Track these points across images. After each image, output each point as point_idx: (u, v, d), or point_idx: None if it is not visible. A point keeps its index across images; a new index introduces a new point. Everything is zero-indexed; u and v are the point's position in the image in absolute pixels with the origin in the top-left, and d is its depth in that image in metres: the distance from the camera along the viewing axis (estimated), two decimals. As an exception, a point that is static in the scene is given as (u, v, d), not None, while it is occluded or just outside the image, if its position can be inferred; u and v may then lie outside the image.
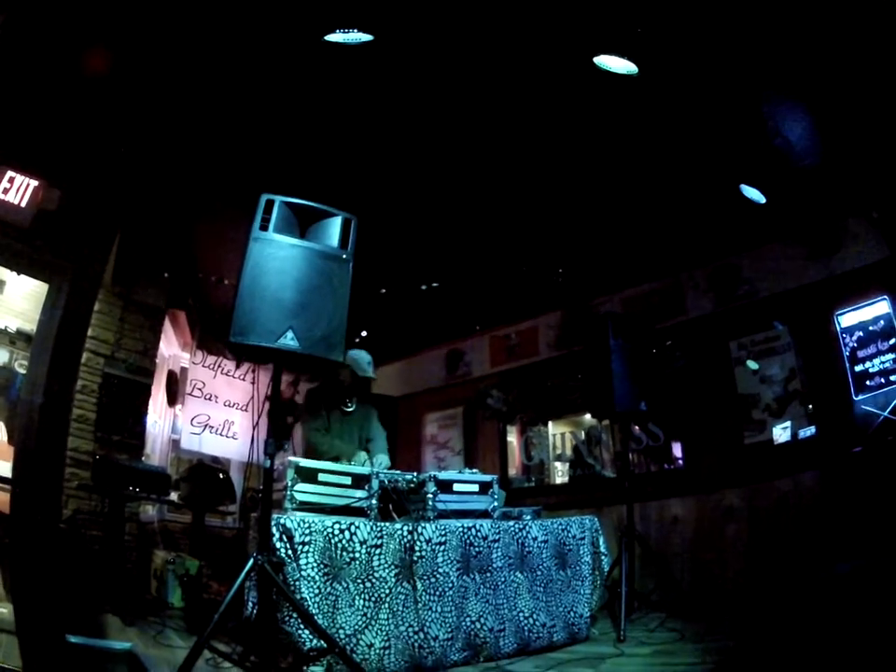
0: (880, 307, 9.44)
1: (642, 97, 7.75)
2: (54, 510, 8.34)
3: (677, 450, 11.57)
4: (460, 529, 6.53)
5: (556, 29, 6.84)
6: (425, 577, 6.13)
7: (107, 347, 9.54)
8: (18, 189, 8.32)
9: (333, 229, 5.69)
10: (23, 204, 8.33)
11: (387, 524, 6.27)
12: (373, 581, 5.89)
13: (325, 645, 5.17)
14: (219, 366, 12.47)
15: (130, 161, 8.86)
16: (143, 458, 10.11)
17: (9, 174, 8.26)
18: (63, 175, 8.69)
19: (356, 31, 6.73)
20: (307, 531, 5.64)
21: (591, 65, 7.14)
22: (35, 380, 8.45)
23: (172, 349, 12.54)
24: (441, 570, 6.23)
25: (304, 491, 6.10)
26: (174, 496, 10.13)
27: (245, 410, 12.31)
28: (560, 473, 13.60)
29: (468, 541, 6.52)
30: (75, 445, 8.86)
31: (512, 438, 14.17)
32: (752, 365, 10.65)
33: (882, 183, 9.16)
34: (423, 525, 6.34)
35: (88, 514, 8.70)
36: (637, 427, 11.49)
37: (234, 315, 5.13)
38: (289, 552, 5.51)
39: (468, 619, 6.26)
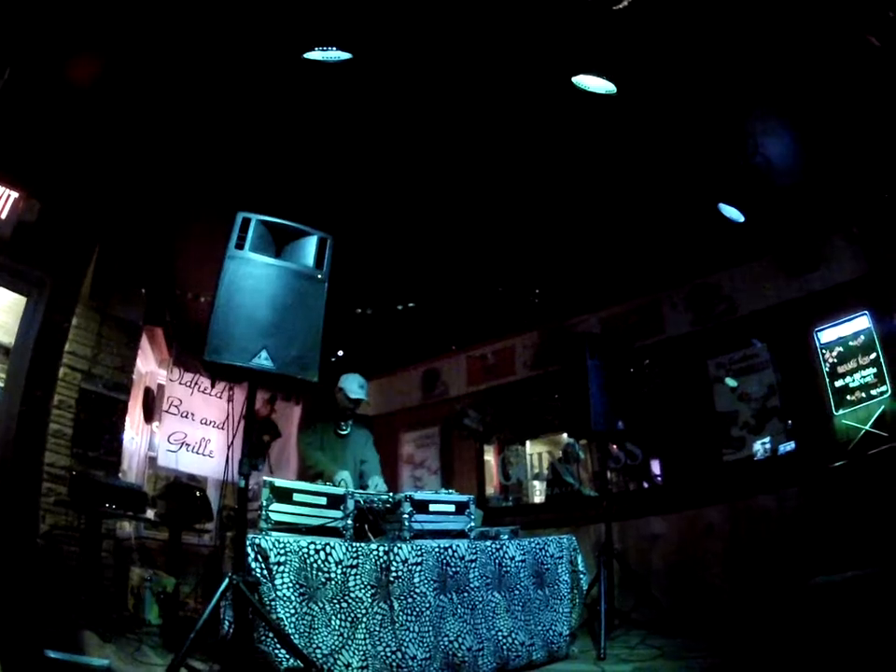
0: (860, 322, 9.52)
1: (621, 116, 7.77)
2: (32, 524, 8.29)
3: (656, 468, 11.60)
4: (437, 549, 6.50)
5: (535, 49, 6.86)
6: (401, 597, 6.09)
7: (85, 362, 9.47)
8: (-2, 199, 8.30)
9: (309, 248, 5.70)
10: (3, 216, 8.28)
11: (363, 544, 6.23)
12: (349, 601, 5.85)
13: (301, 665, 5.15)
14: (196, 383, 12.45)
15: (110, 176, 8.84)
16: (119, 475, 10.04)
17: (-10, 185, 8.25)
18: (43, 186, 8.66)
19: (335, 49, 6.73)
20: (282, 551, 5.60)
21: (569, 85, 7.15)
22: (12, 393, 8.41)
23: (149, 365, 12.50)
24: (417, 590, 6.20)
25: (280, 511, 6.05)
26: (150, 513, 10.08)
27: (222, 428, 12.28)
28: (538, 492, 13.62)
29: (444, 561, 6.49)
30: (51, 460, 8.78)
31: (490, 457, 14.21)
32: (731, 383, 10.70)
33: (862, 199, 9.20)
34: (399, 545, 6.30)
35: (65, 530, 8.62)
36: (614, 446, 11.51)
37: (209, 334, 5.13)
38: (265, 571, 5.47)
39: (445, 638, 6.23)
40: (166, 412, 12.05)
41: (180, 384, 12.27)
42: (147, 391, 12.45)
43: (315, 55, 6.81)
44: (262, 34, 6.77)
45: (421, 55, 6.99)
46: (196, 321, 10.10)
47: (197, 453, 12.18)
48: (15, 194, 8.39)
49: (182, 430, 12.04)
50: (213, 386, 12.28)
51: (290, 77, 7.20)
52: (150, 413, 12.41)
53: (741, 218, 9.33)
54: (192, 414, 12.33)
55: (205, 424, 12.45)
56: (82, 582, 8.09)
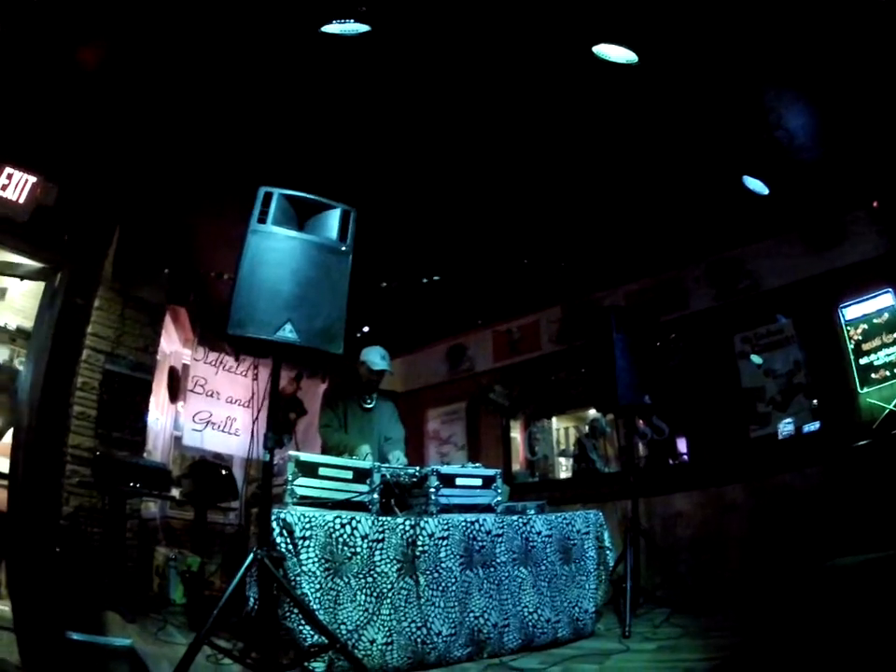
0: (884, 300, 9.44)
1: (643, 89, 7.70)
2: (54, 507, 8.31)
3: (681, 445, 11.54)
4: (463, 524, 6.48)
5: (555, 19, 6.78)
6: (427, 572, 6.09)
7: (108, 344, 9.49)
8: (16, 185, 8.28)
9: (332, 221, 5.65)
10: (21, 200, 8.29)
11: (389, 518, 6.22)
12: (375, 576, 5.84)
13: (326, 641, 5.12)
14: (221, 362, 12.51)
15: (129, 157, 8.82)
16: (144, 455, 10.07)
17: (7, 170, 8.22)
18: (60, 170, 8.66)
19: (352, 21, 6.68)
20: (308, 526, 5.61)
21: (591, 56, 7.08)
22: (33, 377, 8.43)
23: (173, 345, 12.53)
24: (443, 565, 6.20)
25: (305, 485, 6.05)
26: (175, 492, 10.13)
27: (247, 406, 12.34)
28: (564, 468, 13.61)
29: (471, 536, 6.47)
30: (76, 442, 8.82)
31: (516, 433, 14.17)
32: (756, 360, 10.64)
33: (883, 175, 9.11)
34: (425, 519, 6.29)
35: (89, 511, 8.65)
36: (641, 422, 11.45)
37: (232, 308, 5.09)
38: (290, 546, 5.48)
39: (471, 614, 6.22)
40: (191, 391, 12.15)
41: (205, 363, 12.35)
42: (172, 371, 12.48)
43: (333, 28, 6.75)
44: (276, 7, 6.71)
45: (442, 26, 6.91)
46: (220, 300, 10.07)
47: (222, 431, 12.26)
48: (32, 178, 8.39)
49: (207, 409, 12.12)
50: (237, 363, 12.36)
51: (308, 50, 7.12)
52: (175, 392, 12.46)
53: (765, 191, 9.24)
54: (217, 393, 12.41)
55: (231, 402, 12.55)
56: (106, 563, 8.13)
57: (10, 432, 8.84)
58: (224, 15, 6.75)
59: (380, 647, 5.61)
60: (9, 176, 8.25)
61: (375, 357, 8.53)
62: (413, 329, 14.57)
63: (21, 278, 8.92)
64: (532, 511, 7.30)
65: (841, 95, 7.83)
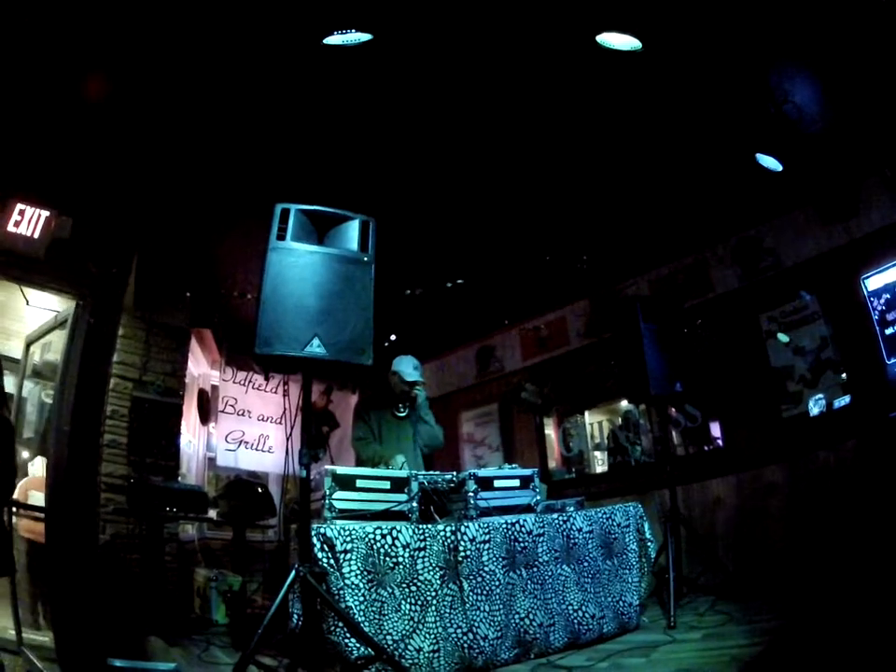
0: (903, 267, 9.31)
1: (650, 74, 7.68)
2: (90, 536, 8.34)
3: (715, 430, 11.48)
4: (504, 526, 6.46)
5: (560, 11, 6.77)
6: (471, 576, 6.06)
7: (135, 371, 9.54)
8: (29, 220, 8.30)
9: (352, 232, 5.67)
10: (36, 235, 8.31)
11: (429, 525, 6.21)
12: (418, 584, 5.84)
13: (372, 653, 5.14)
14: (250, 381, 12.53)
15: (141, 184, 8.83)
16: (178, 478, 10.11)
17: (19, 206, 8.24)
18: (73, 202, 8.68)
19: (353, 31, 6.67)
20: (348, 539, 5.61)
21: (596, 46, 7.06)
22: (62, 409, 8.46)
23: (201, 368, 12.57)
24: (486, 569, 6.17)
25: (343, 499, 6.07)
26: (212, 513, 10.16)
27: (280, 423, 12.29)
28: (600, 462, 13.53)
29: (512, 537, 6.45)
30: (109, 471, 8.87)
31: (550, 430, 14.11)
32: (783, 338, 10.55)
33: (894, 141, 9.05)
34: (465, 524, 6.27)
35: (126, 538, 8.69)
36: (673, 410, 11.41)
37: (258, 327, 5.13)
38: (331, 561, 5.48)
39: (516, 616, 6.19)
40: (222, 412, 12.18)
41: (234, 383, 12.38)
42: (202, 393, 12.54)
43: (335, 40, 6.74)
44: (280, 25, 6.71)
45: (449, 27, 6.90)
46: (245, 320, 10.09)
47: (256, 449, 12.30)
48: (45, 213, 8.41)
49: (239, 429, 12.15)
50: (266, 381, 12.37)
51: (317, 63, 7.14)
52: (206, 414, 12.50)
53: (779, 167, 9.20)
54: (249, 412, 12.43)
55: (263, 420, 12.56)
56: (146, 588, 8.16)
57: (41, 463, 8.87)
58: (228, 38, 6.77)
59: (427, 655, 5.60)
60: (21, 213, 8.27)
61: (408, 368, 8.59)
62: (441, 334, 14.55)
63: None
64: (571, 508, 7.28)
65: (845, 63, 7.78)
